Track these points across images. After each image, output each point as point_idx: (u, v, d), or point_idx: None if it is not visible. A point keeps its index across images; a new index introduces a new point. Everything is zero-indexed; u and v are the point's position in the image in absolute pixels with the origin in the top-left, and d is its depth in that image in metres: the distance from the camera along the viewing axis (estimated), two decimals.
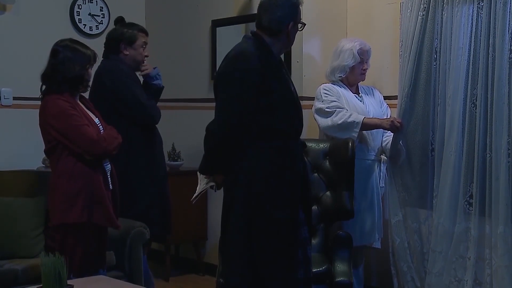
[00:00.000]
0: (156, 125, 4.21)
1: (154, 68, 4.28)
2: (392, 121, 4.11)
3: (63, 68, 3.34)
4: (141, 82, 4.25)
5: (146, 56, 4.24)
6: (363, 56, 4.27)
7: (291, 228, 3.14)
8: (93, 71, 3.60)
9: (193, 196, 3.43)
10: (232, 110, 3.06)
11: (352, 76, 4.30)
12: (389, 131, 4.19)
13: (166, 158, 4.64)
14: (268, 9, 3.15)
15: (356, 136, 4.08)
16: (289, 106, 3.17)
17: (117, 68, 4.10)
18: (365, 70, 4.31)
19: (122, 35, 4.14)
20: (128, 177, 4.01)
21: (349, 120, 4.08)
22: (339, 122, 4.11)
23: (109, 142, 3.39)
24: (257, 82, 3.04)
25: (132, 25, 4.22)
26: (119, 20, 4.26)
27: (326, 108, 4.17)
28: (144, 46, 4.20)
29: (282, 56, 3.37)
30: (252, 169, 3.08)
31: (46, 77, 3.39)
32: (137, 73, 4.26)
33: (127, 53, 4.14)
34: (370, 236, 4.24)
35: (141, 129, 4.11)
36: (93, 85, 4.09)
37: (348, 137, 4.05)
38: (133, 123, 4.06)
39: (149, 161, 4.13)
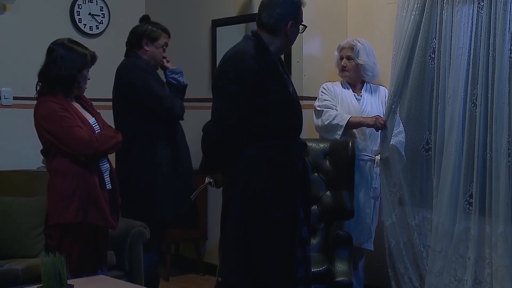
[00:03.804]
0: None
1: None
2: (376, 118, 4.12)
3: (55, 67, 3.31)
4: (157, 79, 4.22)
5: (164, 57, 4.24)
6: (341, 52, 4.29)
7: (290, 227, 3.13)
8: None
9: (193, 193, 3.45)
10: (227, 110, 3.05)
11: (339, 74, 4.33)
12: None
13: None
14: (268, 6, 3.14)
15: (339, 138, 4.11)
16: (287, 106, 3.15)
17: (134, 63, 4.11)
18: (343, 67, 4.28)
19: (146, 30, 4.16)
20: (152, 172, 3.99)
21: (333, 122, 4.14)
22: (326, 123, 4.17)
23: (102, 142, 3.34)
24: (253, 82, 3.03)
25: (156, 24, 4.24)
26: (145, 18, 4.28)
27: (317, 106, 4.25)
28: (164, 47, 4.21)
29: (282, 56, 3.36)
30: (250, 169, 3.07)
31: (41, 75, 3.37)
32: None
33: (148, 49, 4.14)
34: (359, 236, 4.19)
35: (163, 124, 4.08)
36: (114, 83, 4.12)
37: (346, 138, 4.09)
38: (154, 118, 4.04)
39: (172, 155, 4.09)
